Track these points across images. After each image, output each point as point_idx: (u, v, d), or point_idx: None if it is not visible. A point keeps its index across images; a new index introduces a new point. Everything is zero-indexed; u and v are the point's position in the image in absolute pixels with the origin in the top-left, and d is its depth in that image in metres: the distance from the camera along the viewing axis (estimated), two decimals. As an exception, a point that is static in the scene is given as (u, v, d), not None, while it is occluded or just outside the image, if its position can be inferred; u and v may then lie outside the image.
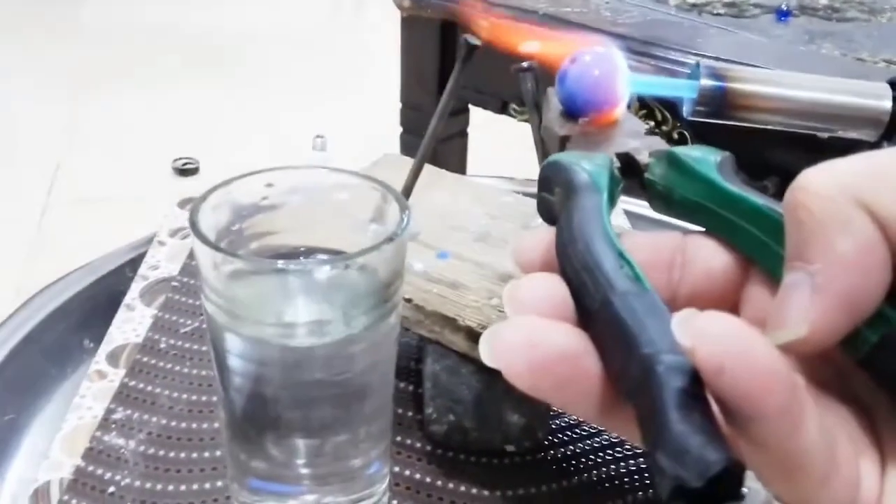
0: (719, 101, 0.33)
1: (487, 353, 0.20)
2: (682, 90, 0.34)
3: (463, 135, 1.14)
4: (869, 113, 0.34)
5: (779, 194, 0.21)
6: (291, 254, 0.34)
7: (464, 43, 0.39)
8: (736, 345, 0.17)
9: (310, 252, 0.34)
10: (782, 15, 0.95)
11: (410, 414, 0.43)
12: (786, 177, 0.20)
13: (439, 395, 0.40)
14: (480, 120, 1.11)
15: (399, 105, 1.11)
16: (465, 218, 0.46)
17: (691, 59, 0.76)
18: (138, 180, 1.84)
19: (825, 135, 0.34)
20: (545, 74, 0.36)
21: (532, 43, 0.37)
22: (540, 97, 0.38)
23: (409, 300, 0.39)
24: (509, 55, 0.37)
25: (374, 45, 1.75)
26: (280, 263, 0.30)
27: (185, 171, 1.89)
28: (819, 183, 0.19)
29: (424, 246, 0.43)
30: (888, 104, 0.33)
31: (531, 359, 0.19)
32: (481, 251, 0.43)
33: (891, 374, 0.20)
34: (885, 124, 0.33)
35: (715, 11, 0.96)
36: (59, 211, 1.77)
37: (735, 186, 0.24)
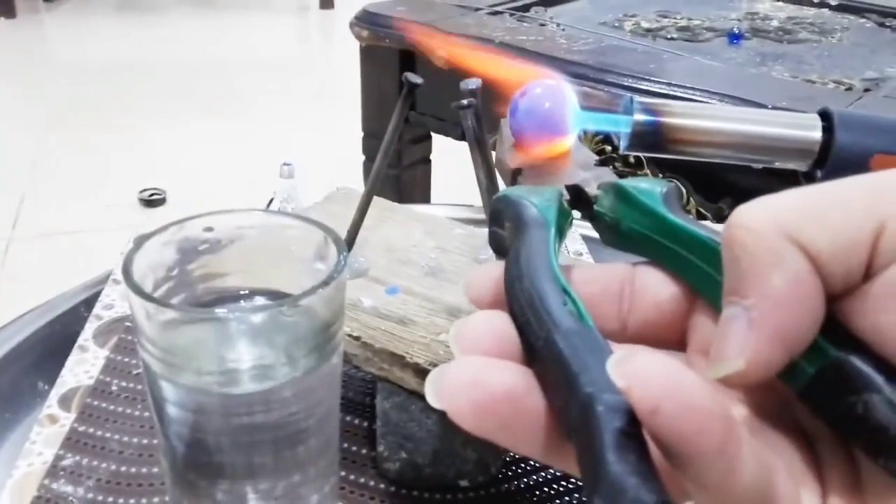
0: (653, 136, 0.34)
1: (432, 394, 0.20)
2: (620, 125, 0.34)
3: (426, 161, 1.14)
4: (800, 144, 0.34)
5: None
6: (236, 296, 0.34)
7: (405, 81, 0.39)
8: (670, 385, 0.17)
9: (254, 294, 0.34)
10: (734, 38, 0.96)
11: (364, 451, 0.43)
12: (741, 198, 0.20)
13: (390, 432, 0.40)
14: (446, 146, 1.11)
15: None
16: (415, 252, 0.46)
17: (644, 86, 0.77)
18: (104, 212, 1.83)
19: (759, 166, 0.35)
20: (486, 111, 0.36)
21: (486, 69, 0.37)
22: (481, 134, 0.38)
23: (357, 338, 0.39)
24: (468, 74, 0.37)
25: (343, 73, 1.76)
26: (212, 312, 0.30)
27: (152, 201, 1.88)
28: (752, 219, 0.20)
29: (374, 281, 0.43)
30: (818, 135, 0.34)
31: (474, 399, 0.19)
32: (431, 285, 0.43)
33: (828, 406, 0.20)
34: (816, 154, 0.34)
35: (669, 36, 0.98)
36: (24, 244, 1.75)
37: (679, 218, 0.24)
